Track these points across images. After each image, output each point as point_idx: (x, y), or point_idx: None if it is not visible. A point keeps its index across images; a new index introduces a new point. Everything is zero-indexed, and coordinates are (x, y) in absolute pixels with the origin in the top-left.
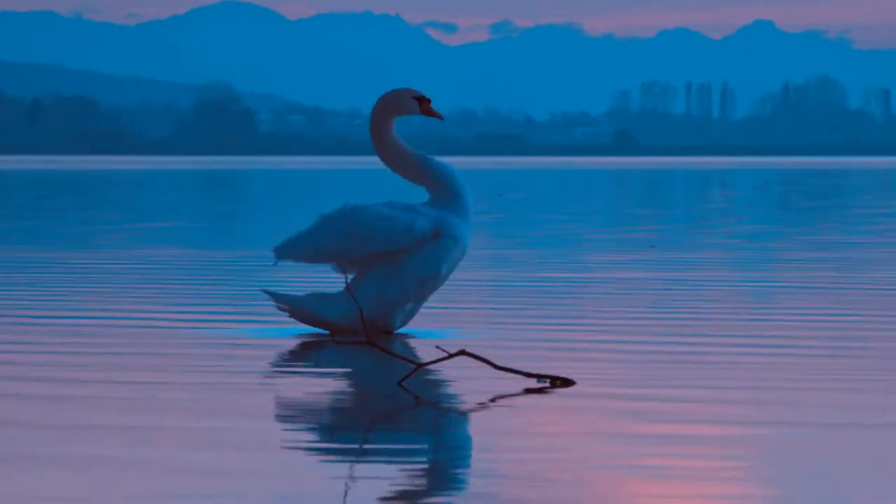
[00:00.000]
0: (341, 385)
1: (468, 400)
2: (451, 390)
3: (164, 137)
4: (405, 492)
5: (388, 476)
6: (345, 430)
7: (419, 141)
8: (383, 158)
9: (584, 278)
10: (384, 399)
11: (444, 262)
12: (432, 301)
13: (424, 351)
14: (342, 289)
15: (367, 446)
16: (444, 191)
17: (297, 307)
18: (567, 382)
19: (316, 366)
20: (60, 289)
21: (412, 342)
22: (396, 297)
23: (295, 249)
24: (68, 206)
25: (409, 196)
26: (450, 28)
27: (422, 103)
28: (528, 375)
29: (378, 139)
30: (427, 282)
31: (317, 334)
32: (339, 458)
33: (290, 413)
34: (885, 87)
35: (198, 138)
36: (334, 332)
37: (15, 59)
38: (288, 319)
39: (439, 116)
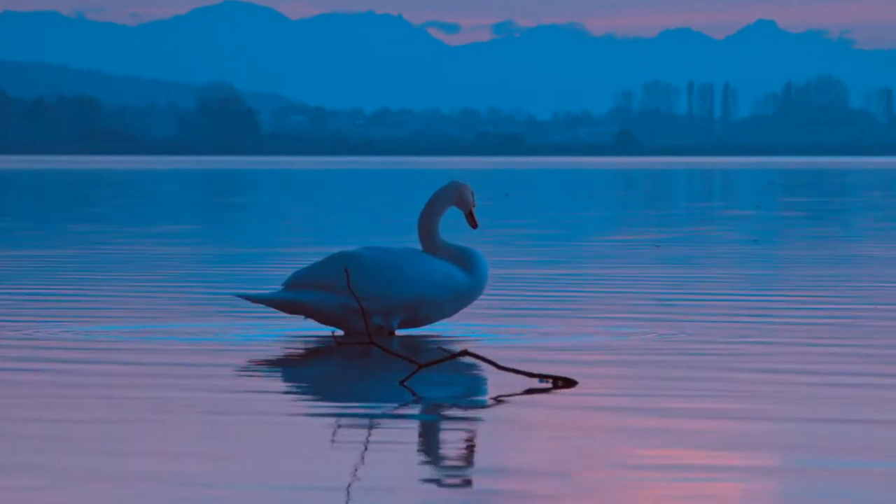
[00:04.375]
0: (343, 385)
1: (470, 400)
2: (453, 390)
3: (166, 137)
4: (407, 491)
5: (389, 475)
6: (346, 430)
7: (420, 141)
8: (421, 233)
9: (587, 278)
10: (386, 399)
11: (434, 295)
12: None
13: (427, 351)
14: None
15: (368, 446)
16: (465, 263)
17: (285, 299)
18: (569, 382)
19: (318, 366)
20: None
21: (415, 342)
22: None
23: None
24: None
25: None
26: (452, 28)
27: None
28: (531, 375)
29: (428, 219)
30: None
31: (319, 335)
32: (341, 457)
33: (292, 413)
34: (887, 87)
35: (200, 138)
36: (315, 316)
37: (17, 58)
38: (289, 320)
39: (475, 225)
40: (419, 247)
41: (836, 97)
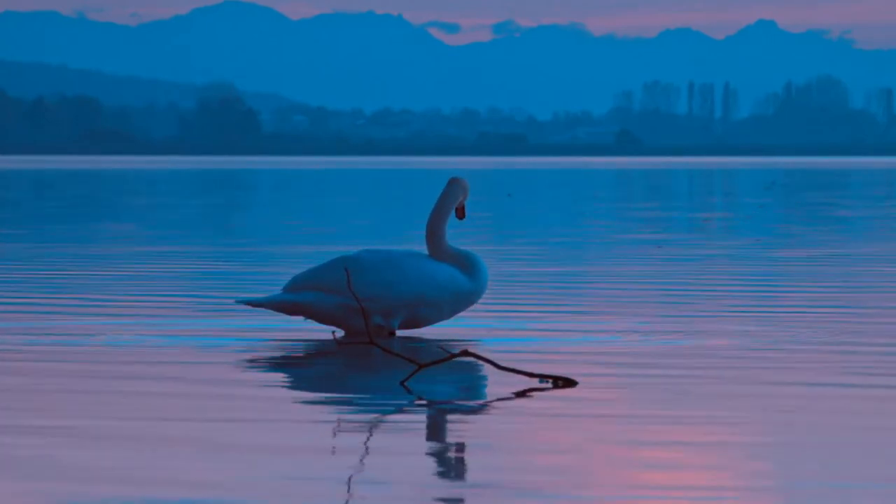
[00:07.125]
0: (344, 385)
1: (470, 400)
2: (453, 390)
3: (167, 137)
4: (407, 491)
5: (390, 475)
6: (346, 431)
7: (421, 141)
8: (429, 231)
9: (589, 278)
10: (386, 399)
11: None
12: None
13: (427, 351)
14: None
15: (369, 447)
16: (467, 267)
17: (281, 301)
18: (569, 382)
19: (318, 366)
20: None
21: (415, 342)
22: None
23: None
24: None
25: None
26: (452, 28)
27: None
28: (531, 375)
29: (436, 220)
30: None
31: (319, 335)
32: (341, 457)
33: (292, 413)
34: (888, 87)
35: (201, 138)
36: (313, 316)
37: (17, 58)
38: (289, 320)
39: (462, 216)
40: (424, 251)
41: (836, 97)
